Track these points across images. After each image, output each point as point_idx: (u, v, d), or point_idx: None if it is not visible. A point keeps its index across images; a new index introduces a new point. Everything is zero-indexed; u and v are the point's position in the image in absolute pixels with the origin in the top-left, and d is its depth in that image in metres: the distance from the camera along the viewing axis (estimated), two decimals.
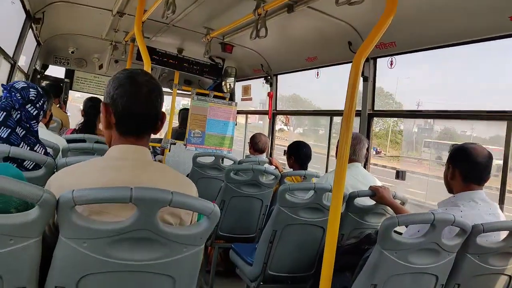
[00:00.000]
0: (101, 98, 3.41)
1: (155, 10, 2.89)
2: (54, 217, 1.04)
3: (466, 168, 1.83)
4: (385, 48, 2.76)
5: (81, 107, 3.23)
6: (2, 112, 1.63)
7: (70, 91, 6.01)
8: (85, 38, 4.74)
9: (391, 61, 2.79)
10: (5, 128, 1.63)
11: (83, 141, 2.68)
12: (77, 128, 3.06)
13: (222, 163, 4.54)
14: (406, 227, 1.85)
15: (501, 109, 2.13)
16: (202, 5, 3.07)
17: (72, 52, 5.21)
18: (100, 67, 5.54)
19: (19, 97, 1.68)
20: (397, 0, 1.61)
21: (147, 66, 2.60)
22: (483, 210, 1.78)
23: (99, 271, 1.07)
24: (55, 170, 1.64)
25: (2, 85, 1.74)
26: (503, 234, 1.71)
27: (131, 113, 1.17)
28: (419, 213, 1.64)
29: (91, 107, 3.03)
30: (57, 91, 4.56)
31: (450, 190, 1.93)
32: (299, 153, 3.29)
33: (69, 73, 5.79)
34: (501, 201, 2.09)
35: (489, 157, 1.83)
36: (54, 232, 1.07)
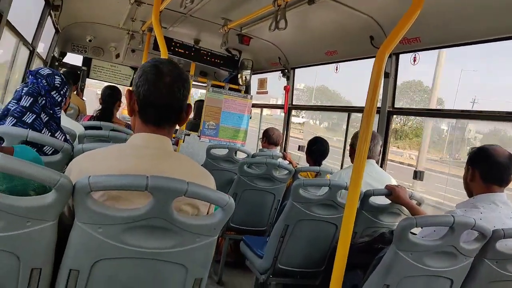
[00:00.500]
0: (118, 86, 3.43)
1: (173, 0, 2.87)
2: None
3: (486, 169, 1.78)
4: (408, 44, 2.69)
5: (99, 94, 3.25)
6: (29, 97, 1.65)
7: (87, 79, 6.08)
8: (103, 27, 4.77)
9: (414, 57, 2.72)
10: (30, 114, 1.65)
11: (100, 128, 2.69)
12: (94, 115, 3.09)
13: (236, 155, 4.55)
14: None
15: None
16: None
17: (90, 41, 5.25)
18: (117, 56, 5.58)
19: (45, 84, 1.70)
20: None
21: (164, 55, 2.59)
22: (504, 213, 1.73)
23: (113, 257, 1.07)
24: (72, 156, 1.65)
25: (29, 70, 1.75)
26: None
27: (151, 102, 1.17)
28: (438, 215, 1.60)
29: (109, 95, 3.05)
30: (75, 78, 4.60)
31: (470, 194, 1.87)
32: (312, 149, 3.26)
33: (87, 61, 5.84)
34: None
35: (510, 158, 1.77)
36: (72, 216, 1.08)
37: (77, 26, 4.81)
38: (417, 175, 2.77)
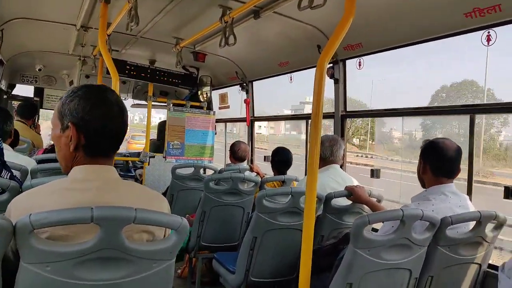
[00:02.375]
0: None
1: (120, 22, 2.87)
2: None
3: (435, 162, 1.89)
4: (352, 50, 2.82)
5: None
6: None
7: (41, 110, 5.86)
8: (52, 55, 4.63)
9: (359, 62, 2.85)
10: None
11: (56, 160, 2.62)
12: (48, 148, 3.00)
13: (204, 173, 4.54)
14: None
15: (463, 103, 2.19)
16: (169, 15, 3.06)
17: (40, 70, 5.06)
18: (71, 83, 5.43)
19: None
20: (355, 3, 1.64)
21: (114, 79, 2.57)
22: (454, 202, 1.83)
23: None
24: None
25: None
26: (472, 224, 1.76)
27: (105, 134, 1.15)
28: (389, 210, 1.68)
29: None
30: (29, 111, 4.43)
31: (423, 185, 1.97)
32: (275, 159, 3.31)
33: (39, 92, 5.62)
34: (469, 192, 2.15)
35: (458, 151, 1.88)
36: (17, 257, 1.04)
37: (24, 56, 4.63)
38: (374, 173, 2.87)
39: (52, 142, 2.95)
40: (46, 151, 2.95)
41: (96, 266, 1.06)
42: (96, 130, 1.13)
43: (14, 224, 0.97)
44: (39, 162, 2.46)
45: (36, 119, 5.63)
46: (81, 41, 3.91)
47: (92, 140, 1.14)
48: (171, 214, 1.16)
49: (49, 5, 3.13)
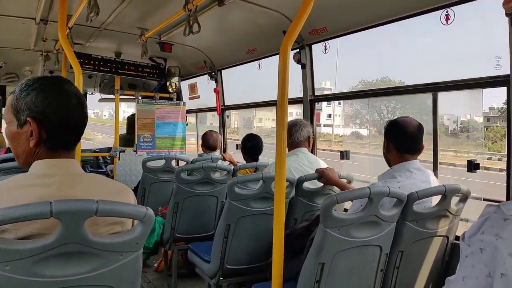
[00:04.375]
0: None
1: (81, 14, 2.76)
2: None
3: (398, 140, 1.94)
4: (318, 34, 2.83)
5: None
6: None
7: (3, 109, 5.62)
8: (12, 51, 4.43)
9: (325, 46, 2.86)
10: None
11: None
12: (9, 147, 2.88)
13: (177, 165, 4.48)
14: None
15: (426, 81, 2.26)
16: (132, 5, 2.98)
17: (0, 67, 4.87)
18: None
19: None
20: None
21: (77, 73, 2.48)
22: (418, 178, 1.89)
23: None
24: None
25: None
26: (437, 198, 1.82)
27: (67, 127, 1.11)
28: (356, 189, 1.71)
29: None
30: None
31: (389, 163, 2.02)
32: (247, 146, 3.31)
33: (0, 90, 5.41)
34: (435, 167, 2.22)
35: (419, 128, 1.93)
36: None
37: None
38: (343, 155, 2.92)
39: None
40: (9, 150, 2.82)
41: (59, 262, 1.02)
42: (57, 124, 1.09)
43: None
44: (1, 161, 2.37)
45: None
46: (42, 35, 3.76)
47: (53, 134, 1.10)
48: (135, 205, 1.14)
49: None
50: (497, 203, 0.90)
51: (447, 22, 2.06)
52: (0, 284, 0.97)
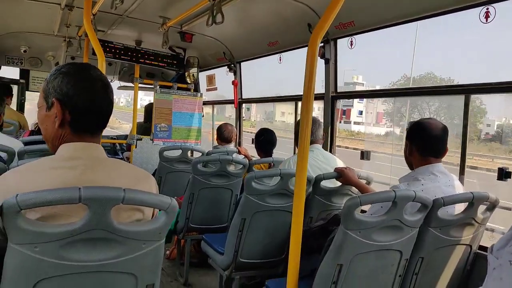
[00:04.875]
0: None
1: (106, 1, 2.76)
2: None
3: (422, 143, 1.88)
4: (344, 29, 2.77)
5: None
6: None
7: (27, 93, 5.74)
8: (37, 36, 4.51)
9: (351, 41, 2.80)
10: None
11: (43, 142, 2.55)
12: (34, 129, 2.92)
13: (192, 155, 4.49)
14: None
15: (459, 83, 2.17)
16: None
17: (25, 51, 4.95)
18: (56, 65, 5.29)
19: None
20: None
21: (100, 60, 2.48)
22: (443, 182, 1.84)
23: (55, 275, 1.02)
24: None
25: None
26: (461, 205, 1.77)
27: (90, 110, 1.12)
28: (381, 191, 1.67)
29: None
30: (6, 92, 4.33)
31: (411, 167, 1.97)
32: (260, 140, 3.30)
33: (24, 74, 5.51)
34: (462, 172, 2.16)
35: (444, 130, 1.88)
36: (5, 238, 1.01)
37: (8, 37, 4.52)
38: (364, 155, 2.88)
39: (36, 123, 2.89)
40: (32, 132, 2.86)
41: (85, 247, 1.04)
42: (80, 106, 1.11)
43: (1, 205, 0.94)
44: (26, 144, 2.41)
45: (19, 100, 5.52)
46: (66, 21, 3.79)
47: (77, 116, 1.12)
48: (160, 195, 1.14)
49: None
50: None
51: (486, 20, 1.96)
52: (29, 264, 0.99)
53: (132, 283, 1.14)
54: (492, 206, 1.82)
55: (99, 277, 1.08)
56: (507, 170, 1.97)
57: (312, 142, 2.64)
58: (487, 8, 1.95)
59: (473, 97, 2.19)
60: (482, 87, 2.08)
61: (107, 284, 1.10)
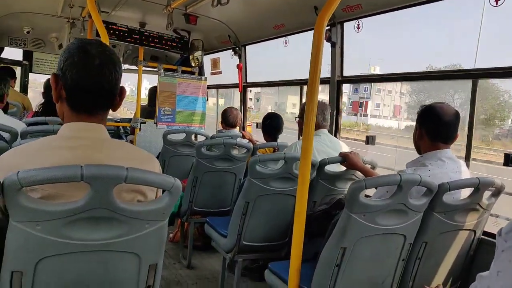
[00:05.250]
0: None
1: None
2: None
3: (432, 128, 1.85)
4: (351, 11, 2.71)
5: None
6: None
7: (31, 74, 5.71)
8: (40, 16, 4.45)
9: (358, 24, 2.74)
10: None
11: (46, 123, 2.55)
12: (38, 110, 2.91)
13: (196, 139, 4.49)
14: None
15: (466, 67, 2.14)
16: None
17: (28, 32, 4.90)
18: (60, 46, 5.27)
19: None
20: None
21: (104, 41, 2.45)
22: (450, 168, 1.81)
23: (57, 253, 1.02)
24: None
25: None
26: (468, 190, 1.76)
27: (81, 87, 1.09)
28: (386, 175, 1.65)
29: (50, 88, 2.88)
30: (10, 73, 4.31)
31: (419, 151, 1.94)
32: (266, 124, 3.28)
33: (27, 55, 5.47)
34: (467, 158, 2.14)
35: (456, 116, 1.84)
36: (6, 216, 1.01)
37: (11, 18, 4.47)
38: (369, 140, 2.85)
39: (40, 104, 2.88)
40: (36, 114, 2.86)
41: (87, 226, 1.03)
42: (74, 82, 1.09)
43: (1, 182, 0.93)
44: (29, 125, 2.41)
45: (22, 82, 5.50)
46: (69, 2, 3.74)
47: (70, 92, 1.11)
48: (163, 174, 1.12)
49: None
50: None
51: (496, 3, 1.91)
52: (31, 243, 0.99)
53: (135, 262, 1.14)
54: (497, 191, 1.80)
55: (102, 256, 1.08)
56: None
57: (320, 127, 2.63)
58: None
59: (502, 90, 2.16)
60: (490, 71, 2.03)
61: (110, 263, 1.10)
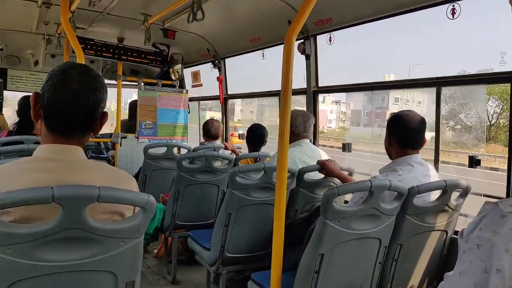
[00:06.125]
0: None
1: None
2: None
3: (400, 135, 1.93)
4: (323, 25, 2.80)
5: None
6: None
7: (5, 92, 5.60)
8: (14, 33, 4.40)
9: (330, 37, 2.84)
10: None
11: (21, 143, 2.52)
12: (12, 129, 2.89)
13: (179, 152, 4.49)
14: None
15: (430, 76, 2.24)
16: None
17: (1, 50, 4.83)
18: (36, 63, 5.21)
19: None
20: None
21: (79, 58, 2.46)
22: (419, 172, 1.89)
23: (30, 276, 1.01)
24: None
25: None
26: (437, 192, 1.83)
27: (56, 108, 1.10)
28: (357, 181, 1.71)
29: (25, 107, 2.86)
30: None
31: (391, 157, 2.02)
32: (249, 136, 3.31)
33: (2, 72, 5.37)
34: (436, 161, 2.22)
35: (422, 123, 1.93)
36: None
37: None
38: (345, 147, 2.92)
39: (15, 123, 2.86)
40: (10, 133, 2.83)
41: (61, 247, 1.03)
42: (47, 102, 1.10)
43: None
44: (3, 144, 2.38)
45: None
46: (44, 19, 3.71)
47: (46, 112, 1.12)
48: (137, 192, 1.14)
49: None
50: (494, 201, 0.91)
51: (453, 17, 2.03)
52: (2, 267, 0.98)
53: (111, 281, 1.13)
54: (464, 192, 1.89)
55: (77, 277, 1.08)
56: (476, 158, 2.03)
57: (301, 137, 2.68)
58: (453, 5, 2.01)
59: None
60: (452, 79, 2.15)
61: (85, 283, 1.10)
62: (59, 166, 1.09)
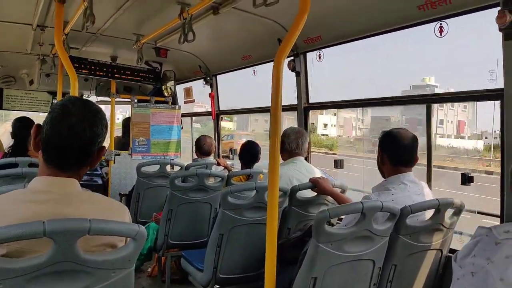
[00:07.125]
0: (35, 115, 3.27)
1: (78, 21, 2.76)
2: None
3: (392, 153, 1.94)
4: (312, 43, 2.84)
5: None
6: None
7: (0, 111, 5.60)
8: (9, 54, 4.44)
9: (319, 54, 2.88)
10: None
11: (16, 165, 2.49)
12: (7, 152, 2.87)
13: (172, 169, 4.48)
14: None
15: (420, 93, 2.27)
16: (128, 12, 2.98)
17: None
18: (31, 82, 5.24)
19: None
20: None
21: (72, 79, 2.47)
22: (412, 191, 1.90)
23: None
24: None
25: None
26: (430, 211, 1.83)
27: (52, 142, 1.12)
28: (349, 203, 1.72)
29: (19, 128, 2.85)
30: None
31: (383, 175, 2.03)
32: (242, 153, 3.32)
33: None
34: (429, 179, 2.23)
35: (414, 140, 1.94)
36: None
37: None
38: (337, 163, 2.93)
39: (11, 145, 2.84)
40: (5, 155, 2.80)
41: (52, 280, 1.03)
42: (45, 135, 1.12)
43: None
44: None
45: None
46: (39, 40, 3.75)
47: (44, 145, 1.13)
48: (127, 223, 1.14)
49: (3, 4, 3.00)
50: (488, 227, 0.92)
51: (441, 35, 2.07)
52: None
53: None
54: (458, 210, 1.89)
55: None
56: (469, 175, 2.05)
57: (296, 155, 2.69)
58: (441, 24, 2.05)
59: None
60: (442, 96, 2.17)
61: None
62: (52, 198, 1.09)
